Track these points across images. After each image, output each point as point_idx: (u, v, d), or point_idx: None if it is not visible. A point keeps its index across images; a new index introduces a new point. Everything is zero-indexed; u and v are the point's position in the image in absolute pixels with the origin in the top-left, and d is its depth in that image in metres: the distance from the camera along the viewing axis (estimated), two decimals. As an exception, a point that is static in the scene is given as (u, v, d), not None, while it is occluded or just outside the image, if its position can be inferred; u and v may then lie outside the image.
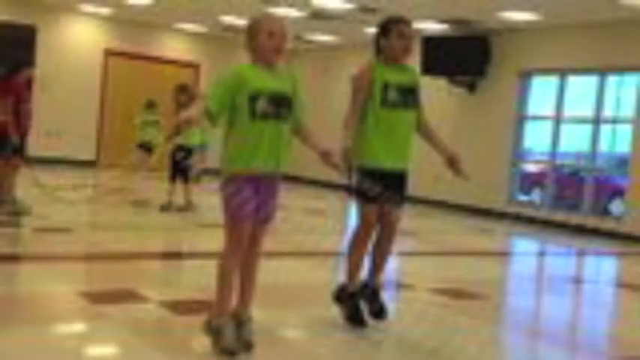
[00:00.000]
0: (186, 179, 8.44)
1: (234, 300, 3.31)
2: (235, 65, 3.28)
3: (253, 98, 3.13)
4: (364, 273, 4.03)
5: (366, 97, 3.78)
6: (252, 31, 3.24)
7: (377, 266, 4.01)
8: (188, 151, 8.44)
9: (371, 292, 3.96)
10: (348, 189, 4.02)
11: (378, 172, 3.79)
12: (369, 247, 3.97)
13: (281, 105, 3.20)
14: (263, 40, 3.19)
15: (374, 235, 3.95)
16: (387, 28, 3.85)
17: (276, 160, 3.21)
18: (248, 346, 3.23)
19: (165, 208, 8.27)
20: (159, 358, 3.17)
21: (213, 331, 3.23)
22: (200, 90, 12.89)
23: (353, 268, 3.94)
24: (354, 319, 3.84)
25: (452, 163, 3.92)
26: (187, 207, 8.40)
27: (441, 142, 4.01)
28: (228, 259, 3.24)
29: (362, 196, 3.83)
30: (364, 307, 3.93)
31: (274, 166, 3.22)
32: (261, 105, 3.14)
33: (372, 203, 3.82)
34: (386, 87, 3.77)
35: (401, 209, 3.97)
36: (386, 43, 3.84)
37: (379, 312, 3.89)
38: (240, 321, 3.30)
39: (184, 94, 8.28)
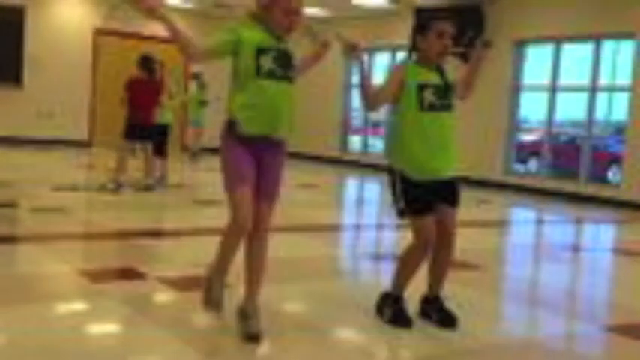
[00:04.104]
0: (162, 154, 8.38)
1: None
2: (242, 17, 3.11)
3: (259, 52, 3.04)
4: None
5: (398, 98, 3.45)
6: (267, 1, 3.07)
7: (437, 279, 3.63)
8: (163, 128, 8.42)
9: (433, 301, 3.62)
10: (398, 211, 3.52)
11: (424, 183, 3.47)
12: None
13: (286, 64, 3.13)
14: (277, 16, 3.06)
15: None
16: (425, 25, 3.47)
17: (280, 124, 3.12)
18: (256, 339, 3.10)
19: (155, 185, 8.18)
20: (160, 334, 3.17)
21: (205, 281, 3.27)
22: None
23: (403, 282, 3.58)
24: (398, 320, 3.49)
25: (486, 44, 3.66)
26: (159, 183, 8.31)
27: (468, 71, 3.69)
28: (229, 230, 3.13)
29: (413, 210, 3.46)
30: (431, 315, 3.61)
31: (278, 131, 3.13)
32: (267, 62, 3.06)
33: (426, 215, 3.46)
34: (422, 89, 3.43)
35: (456, 211, 3.61)
36: (424, 43, 3.47)
37: (446, 319, 3.55)
38: (246, 314, 3.19)
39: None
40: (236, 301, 3.34)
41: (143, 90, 8.00)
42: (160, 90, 8.21)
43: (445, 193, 3.52)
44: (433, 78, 3.50)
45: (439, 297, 3.62)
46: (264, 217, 3.21)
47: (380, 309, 3.61)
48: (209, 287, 3.27)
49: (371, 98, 3.48)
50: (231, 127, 3.12)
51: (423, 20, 3.51)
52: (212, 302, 3.25)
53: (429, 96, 3.43)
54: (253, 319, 3.17)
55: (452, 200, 3.55)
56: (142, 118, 8.00)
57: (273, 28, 3.11)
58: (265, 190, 3.20)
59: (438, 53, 3.47)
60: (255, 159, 3.15)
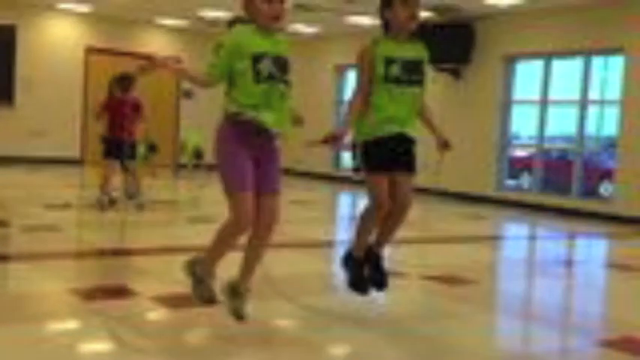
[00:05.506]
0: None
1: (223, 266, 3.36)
2: (234, 29, 3.15)
3: (256, 60, 3.06)
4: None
5: (371, 75, 3.63)
6: None
7: (384, 237, 3.92)
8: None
9: (375, 259, 3.91)
10: (354, 168, 3.85)
11: (382, 140, 3.66)
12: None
13: (284, 68, 3.15)
14: (261, 6, 3.10)
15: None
16: None
17: (279, 119, 3.15)
18: (240, 318, 3.22)
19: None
20: (153, 353, 3.14)
21: (197, 277, 3.29)
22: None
23: (361, 242, 3.86)
24: (357, 287, 3.85)
25: (444, 146, 3.86)
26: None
27: (438, 127, 3.93)
28: (228, 230, 3.18)
29: (369, 166, 3.69)
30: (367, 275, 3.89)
31: (277, 124, 3.15)
32: (266, 67, 3.07)
33: (380, 173, 3.67)
34: (389, 62, 3.61)
35: (412, 178, 3.82)
36: (390, 14, 3.64)
37: (380, 282, 3.86)
38: (237, 292, 3.28)
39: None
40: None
41: (119, 108, 7.98)
42: (136, 106, 8.07)
43: (403, 158, 3.74)
44: (403, 52, 3.66)
45: (379, 256, 3.92)
46: (274, 211, 3.26)
47: (345, 265, 3.95)
48: (200, 281, 3.29)
49: (356, 107, 3.69)
50: (228, 118, 3.14)
51: None
52: (204, 297, 3.28)
53: (395, 70, 3.60)
54: (243, 300, 3.28)
55: (408, 166, 3.78)
56: (125, 135, 7.94)
57: (261, 23, 3.13)
58: (270, 186, 3.23)
59: (405, 19, 3.61)
60: (253, 157, 3.16)
